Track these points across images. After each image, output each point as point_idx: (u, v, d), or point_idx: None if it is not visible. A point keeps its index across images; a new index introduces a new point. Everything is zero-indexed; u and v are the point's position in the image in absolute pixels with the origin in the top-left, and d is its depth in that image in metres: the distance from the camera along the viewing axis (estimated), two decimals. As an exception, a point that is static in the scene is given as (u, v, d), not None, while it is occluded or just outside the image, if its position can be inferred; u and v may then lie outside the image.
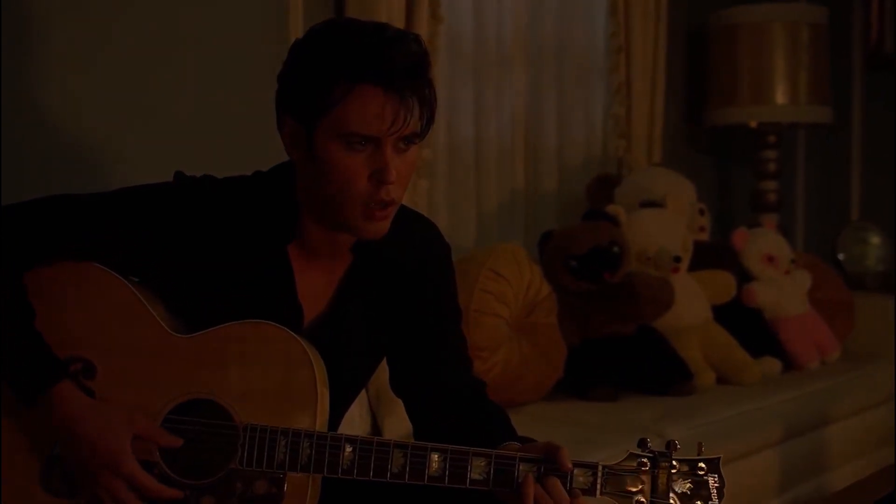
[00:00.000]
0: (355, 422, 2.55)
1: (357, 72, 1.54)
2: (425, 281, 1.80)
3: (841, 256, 4.60)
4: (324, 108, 1.56)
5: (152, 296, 1.68)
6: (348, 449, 1.58)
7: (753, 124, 4.32)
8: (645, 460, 1.59)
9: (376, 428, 2.66)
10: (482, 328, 2.94)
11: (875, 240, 4.64)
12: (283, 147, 1.65)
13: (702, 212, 3.77)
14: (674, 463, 1.59)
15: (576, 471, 1.57)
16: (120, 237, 1.66)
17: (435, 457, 1.58)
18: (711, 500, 1.58)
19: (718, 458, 1.62)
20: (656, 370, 3.25)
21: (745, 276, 3.78)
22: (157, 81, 2.61)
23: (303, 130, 1.59)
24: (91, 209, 1.67)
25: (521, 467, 1.57)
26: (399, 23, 3.00)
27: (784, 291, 3.78)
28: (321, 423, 1.63)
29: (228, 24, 2.76)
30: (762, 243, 3.83)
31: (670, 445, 1.61)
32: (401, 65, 1.55)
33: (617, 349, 3.23)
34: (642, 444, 1.62)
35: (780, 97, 4.24)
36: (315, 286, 1.72)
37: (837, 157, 4.95)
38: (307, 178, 1.64)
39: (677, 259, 3.43)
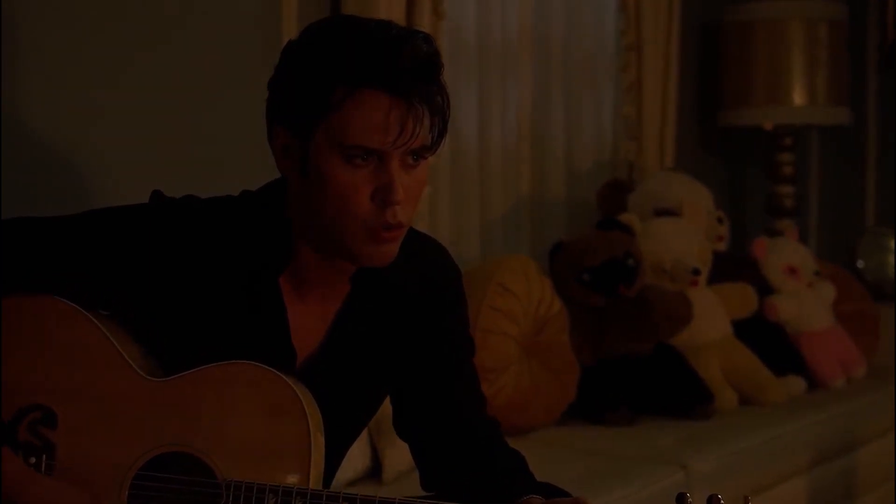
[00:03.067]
0: (353, 455, 2.36)
1: (358, 75, 1.36)
2: (433, 310, 1.61)
3: (860, 264, 4.41)
4: (320, 117, 1.38)
5: (123, 333, 1.49)
6: (347, 508, 1.40)
7: (769, 126, 4.14)
8: (685, 520, 1.41)
9: (376, 461, 2.48)
10: (489, 348, 2.77)
11: (894, 245, 4.45)
12: (275, 162, 1.47)
13: (720, 220, 3.61)
14: (717, 523, 1.41)
15: (609, 532, 1.40)
16: (87, 265, 1.47)
17: (446, 516, 1.41)
18: (758, 562, 1.41)
19: (765, 516, 1.46)
20: (675, 391, 3.07)
21: (764, 289, 3.60)
22: (138, 87, 2.45)
23: (296, 142, 1.42)
24: (55, 233, 1.49)
25: (544, 529, 1.40)
26: (399, 19, 2.84)
27: (807, 305, 3.60)
28: (315, 477, 1.45)
29: (218, 25, 2.60)
30: (783, 253, 3.66)
31: (712, 501, 1.43)
32: (408, 67, 1.37)
33: (633, 369, 3.06)
34: (681, 499, 1.44)
35: (798, 98, 4.07)
36: (309, 320, 1.54)
37: (851, 160, 4.79)
38: (301, 197, 1.46)
39: (696, 272, 3.26)
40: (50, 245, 1.48)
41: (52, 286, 1.47)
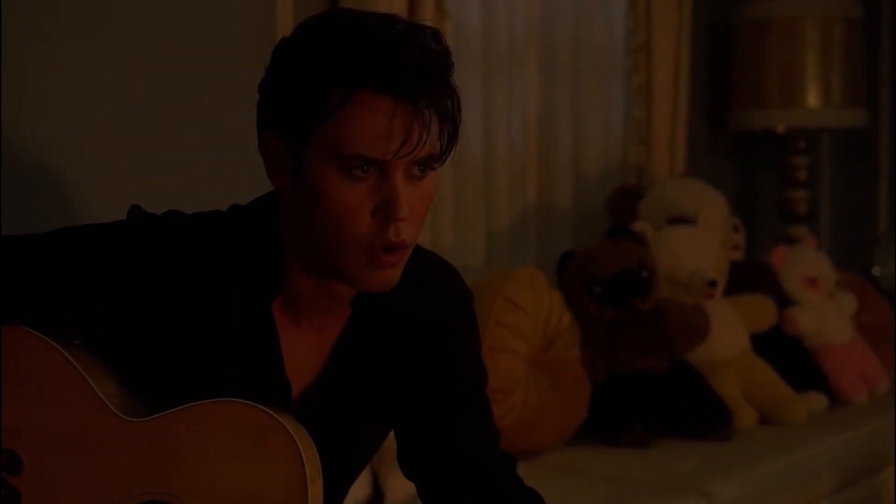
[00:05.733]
0: (353, 484, 2.21)
1: (357, 75, 1.21)
2: (442, 337, 1.47)
3: (876, 271, 4.26)
4: (315, 123, 1.23)
5: (99, 366, 1.34)
6: (347, 564, 1.26)
7: (781, 129, 4.00)
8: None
9: (377, 490, 2.33)
10: (497, 367, 2.60)
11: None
12: (266, 173, 1.32)
13: (736, 228, 3.48)
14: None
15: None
16: (58, 288, 1.32)
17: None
18: None
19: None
20: (692, 410, 2.91)
21: (782, 300, 3.44)
22: (120, 89, 2.32)
23: (289, 151, 1.26)
24: (25, 253, 1.35)
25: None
26: (401, 18, 2.69)
27: (827, 317, 3.45)
28: (313, 528, 1.30)
29: (208, 23, 2.47)
30: (803, 263, 3.51)
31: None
32: (414, 67, 1.21)
33: (648, 386, 2.90)
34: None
35: (812, 99, 3.93)
36: (304, 349, 1.40)
37: (864, 163, 4.65)
38: (295, 213, 1.31)
39: (712, 283, 3.11)
40: (19, 266, 1.33)
41: (18, 312, 1.33)
